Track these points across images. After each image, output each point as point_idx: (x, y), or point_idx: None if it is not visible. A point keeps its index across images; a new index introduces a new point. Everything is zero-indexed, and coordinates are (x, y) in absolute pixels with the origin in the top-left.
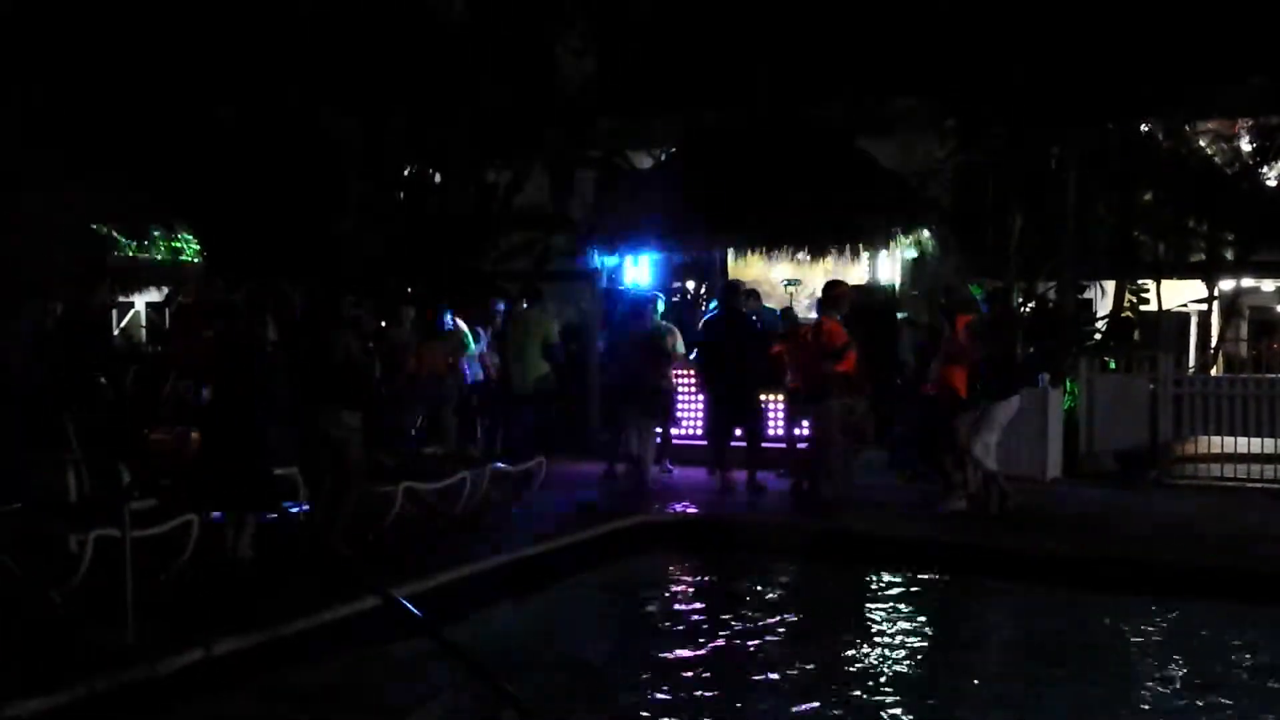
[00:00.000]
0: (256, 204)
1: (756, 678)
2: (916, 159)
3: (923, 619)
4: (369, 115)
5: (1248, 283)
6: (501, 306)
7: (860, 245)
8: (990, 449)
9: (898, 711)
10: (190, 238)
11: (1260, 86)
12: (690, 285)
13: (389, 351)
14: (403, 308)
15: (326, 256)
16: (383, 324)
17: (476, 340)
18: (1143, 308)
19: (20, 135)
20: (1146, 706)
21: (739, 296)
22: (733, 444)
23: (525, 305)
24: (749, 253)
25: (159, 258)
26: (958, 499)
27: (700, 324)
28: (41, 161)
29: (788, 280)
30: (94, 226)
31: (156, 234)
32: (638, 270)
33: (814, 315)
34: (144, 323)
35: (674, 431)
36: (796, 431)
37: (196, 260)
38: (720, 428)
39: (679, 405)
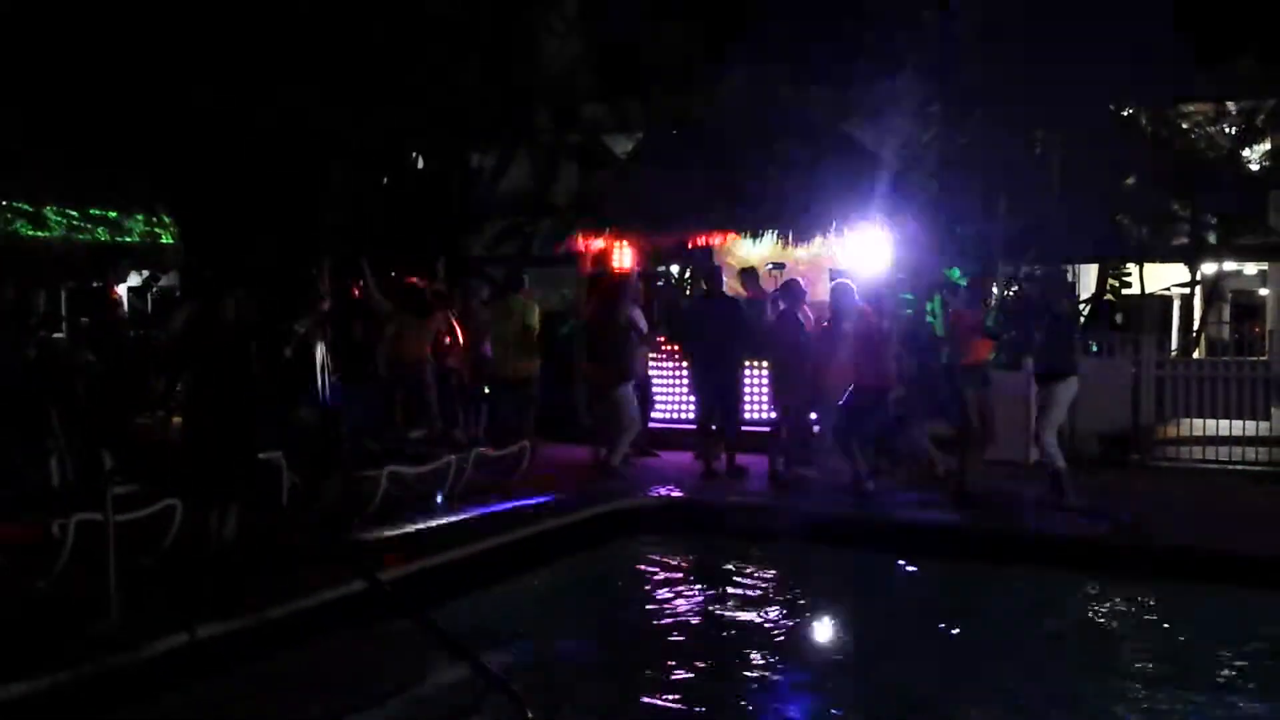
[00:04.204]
0: (237, 188)
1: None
2: (901, 143)
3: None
4: (352, 99)
5: (1230, 266)
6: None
7: (844, 229)
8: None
9: None
10: (169, 220)
11: (1246, 69)
12: (675, 269)
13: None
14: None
15: (310, 242)
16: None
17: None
18: (1125, 291)
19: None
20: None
21: (721, 280)
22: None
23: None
24: (732, 237)
25: (135, 239)
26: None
27: (686, 307)
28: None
29: (771, 264)
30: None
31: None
32: (621, 255)
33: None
34: (125, 307)
35: (654, 415)
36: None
37: (175, 242)
38: (704, 412)
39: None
